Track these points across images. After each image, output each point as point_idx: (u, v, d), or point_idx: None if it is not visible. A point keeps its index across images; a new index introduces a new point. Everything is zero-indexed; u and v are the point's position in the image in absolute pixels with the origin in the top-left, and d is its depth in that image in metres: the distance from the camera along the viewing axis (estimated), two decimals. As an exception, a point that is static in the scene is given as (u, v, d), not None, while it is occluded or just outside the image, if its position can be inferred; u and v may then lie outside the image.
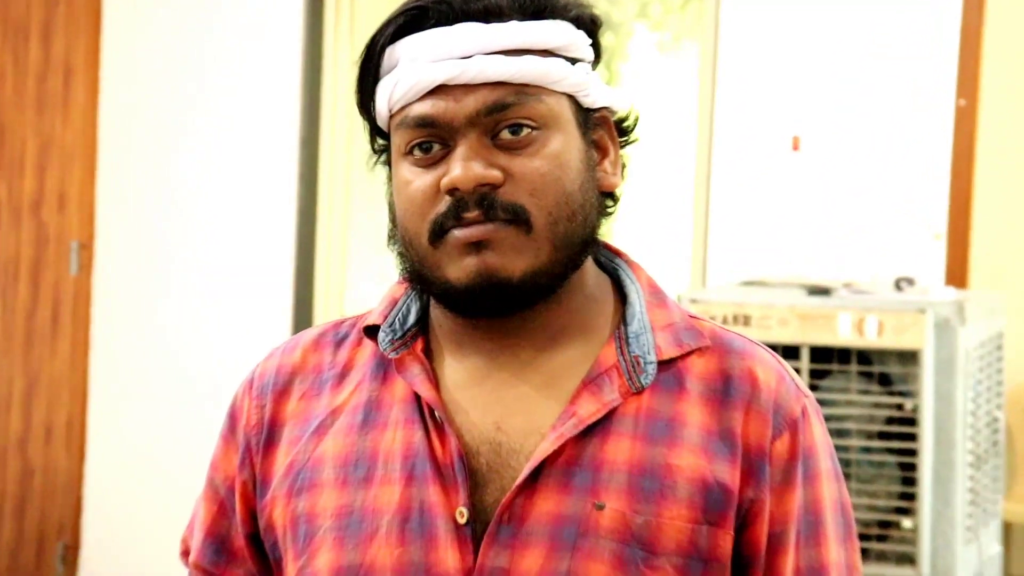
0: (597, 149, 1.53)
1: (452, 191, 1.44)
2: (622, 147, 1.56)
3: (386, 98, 1.49)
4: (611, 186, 1.52)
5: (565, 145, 1.49)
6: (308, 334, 1.61)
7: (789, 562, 1.48)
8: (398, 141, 1.49)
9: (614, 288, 1.57)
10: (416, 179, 1.47)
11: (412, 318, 1.55)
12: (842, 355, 4.11)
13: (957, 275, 4.93)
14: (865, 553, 4.07)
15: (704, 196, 5.25)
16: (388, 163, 1.53)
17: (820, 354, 4.10)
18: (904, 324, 4.10)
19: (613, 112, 1.55)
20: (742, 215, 5.11)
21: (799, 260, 5.03)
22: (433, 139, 1.46)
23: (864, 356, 4.12)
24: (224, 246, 5.54)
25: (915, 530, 4.08)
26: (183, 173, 5.55)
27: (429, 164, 1.47)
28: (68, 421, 5.50)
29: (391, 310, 1.55)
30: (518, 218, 1.44)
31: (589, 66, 1.52)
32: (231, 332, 5.51)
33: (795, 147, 5.10)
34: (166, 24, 5.53)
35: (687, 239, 5.35)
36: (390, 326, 1.53)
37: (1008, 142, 6.24)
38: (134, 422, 5.56)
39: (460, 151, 1.45)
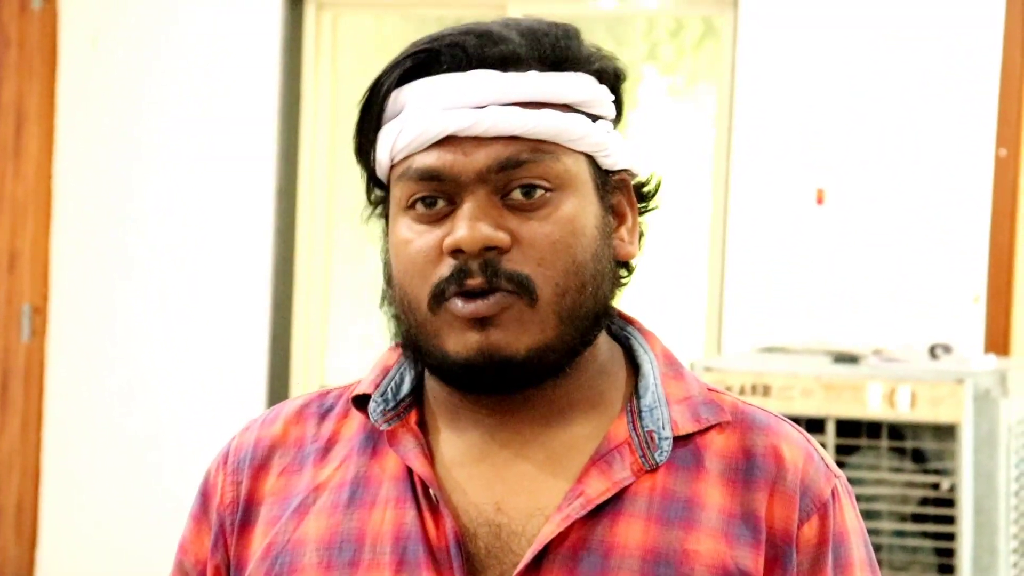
0: (614, 215, 1.51)
1: (456, 252, 1.41)
2: (641, 214, 1.54)
3: (388, 146, 1.46)
4: (627, 256, 1.50)
5: (580, 210, 1.46)
6: (290, 405, 1.59)
7: None
8: (399, 194, 1.46)
9: (626, 358, 1.55)
10: (417, 238, 1.44)
11: (406, 388, 1.53)
12: (872, 429, 4.05)
13: (998, 341, 4.95)
14: None
15: (720, 253, 5.23)
16: (385, 216, 1.50)
17: (848, 428, 4.04)
18: (940, 395, 4.04)
19: (633, 175, 1.52)
20: (761, 275, 5.07)
21: (824, 325, 5.02)
22: (438, 194, 1.44)
23: (896, 431, 4.06)
24: (192, 310, 5.55)
25: None
26: (146, 229, 5.57)
27: (432, 221, 1.44)
28: (18, 503, 5.52)
29: (383, 378, 1.53)
30: (522, 288, 1.42)
31: (610, 124, 1.50)
32: (200, 405, 5.51)
33: (819, 200, 5.05)
34: (127, 68, 5.57)
35: (701, 301, 5.42)
36: (382, 396, 1.51)
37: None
38: (91, 504, 5.55)
39: (467, 209, 1.43)
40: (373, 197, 1.52)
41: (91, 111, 5.59)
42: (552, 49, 1.47)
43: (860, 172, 5.01)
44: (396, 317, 1.49)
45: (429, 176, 1.43)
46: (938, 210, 4.94)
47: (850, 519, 1.50)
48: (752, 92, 5.14)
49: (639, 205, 1.54)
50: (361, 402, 1.52)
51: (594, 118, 1.48)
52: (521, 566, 1.42)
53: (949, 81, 4.99)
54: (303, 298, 5.62)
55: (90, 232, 5.59)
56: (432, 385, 1.52)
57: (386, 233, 1.50)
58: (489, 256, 1.42)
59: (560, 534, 1.42)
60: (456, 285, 1.42)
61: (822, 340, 4.72)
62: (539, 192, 1.43)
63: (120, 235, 5.57)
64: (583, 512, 1.43)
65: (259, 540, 1.52)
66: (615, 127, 1.53)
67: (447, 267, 1.42)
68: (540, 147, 1.44)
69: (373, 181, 1.51)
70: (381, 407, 1.50)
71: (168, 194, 5.55)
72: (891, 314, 4.99)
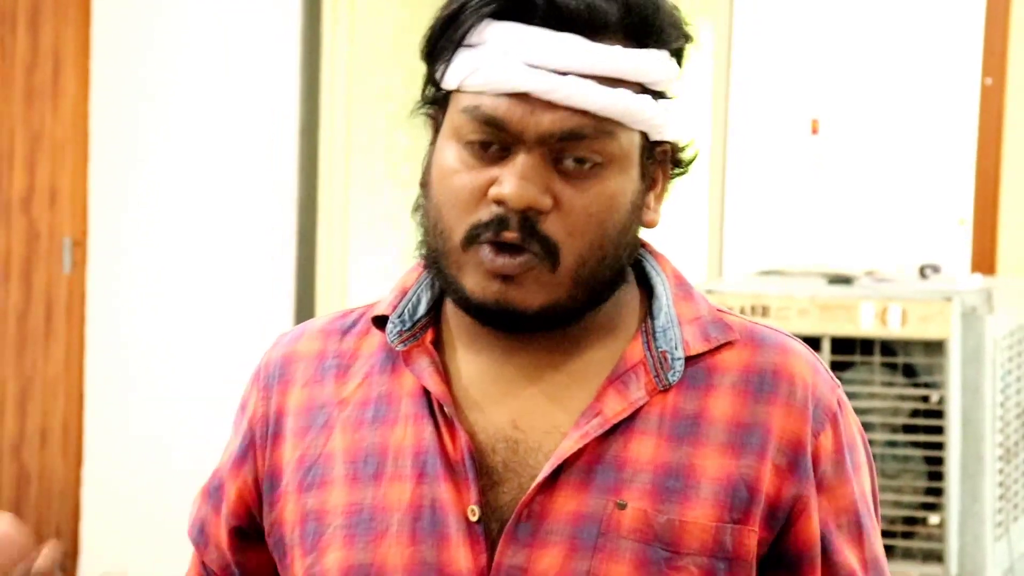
0: (647, 182, 1.52)
1: (500, 202, 1.42)
2: (669, 179, 1.54)
3: (460, 75, 1.45)
4: (650, 224, 1.51)
5: (621, 187, 1.47)
6: (314, 322, 1.61)
7: (856, 553, 1.49)
8: (457, 123, 1.46)
9: (638, 280, 1.55)
10: (465, 172, 1.45)
11: (423, 308, 1.54)
12: (865, 346, 4.12)
13: (984, 262, 4.97)
14: (890, 551, 4.01)
15: (719, 183, 5.34)
16: (433, 120, 1.51)
17: (842, 345, 4.11)
18: (929, 313, 4.10)
19: (676, 146, 1.52)
20: (759, 202, 5.19)
21: (819, 248, 5.13)
22: (495, 141, 1.44)
23: (888, 347, 4.13)
24: (223, 239, 5.56)
25: (942, 526, 4.09)
26: (179, 165, 5.56)
27: (482, 160, 1.44)
28: (64, 424, 5.50)
29: (401, 300, 1.54)
30: (549, 253, 1.43)
31: (668, 103, 1.50)
32: (231, 327, 5.52)
33: (814, 130, 5.21)
34: (159, 11, 5.55)
35: (702, 228, 5.43)
36: (399, 317, 1.52)
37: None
38: (132, 423, 5.58)
39: (519, 165, 1.43)
40: (425, 97, 1.53)
41: (124, 54, 5.56)
42: (641, 22, 1.45)
43: (852, 103, 5.04)
44: (424, 231, 1.51)
45: (494, 123, 1.43)
46: (926, 138, 4.97)
47: (855, 427, 1.53)
48: (748, 29, 5.13)
49: (672, 171, 1.55)
50: (380, 323, 1.54)
51: (658, 95, 1.48)
52: (540, 478, 1.44)
53: (936, 14, 4.98)
54: (326, 230, 5.59)
55: (126, 167, 5.57)
56: (451, 307, 1.54)
57: (432, 142, 1.52)
58: (529, 214, 1.43)
59: (576, 452, 1.45)
60: (493, 233, 1.43)
61: (817, 263, 4.77)
62: (590, 164, 1.43)
63: (154, 170, 5.57)
64: (601, 431, 1.45)
65: (290, 451, 1.54)
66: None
67: (487, 212, 1.44)
68: (603, 125, 1.43)
69: (431, 82, 1.51)
70: (398, 328, 1.52)
71: (197, 133, 5.54)
72: (882, 237, 4.99)
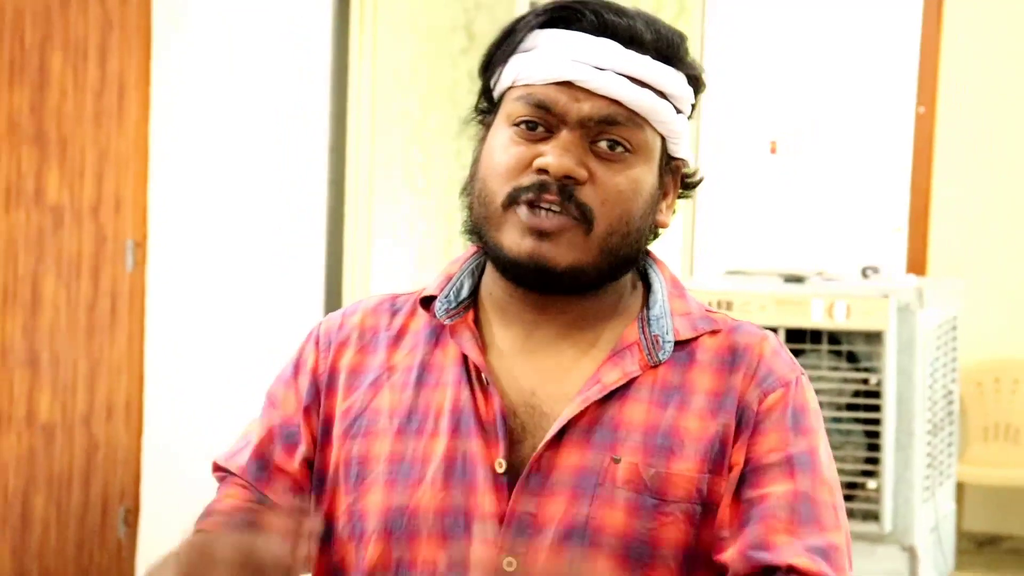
0: (662, 190, 1.55)
1: (542, 171, 1.47)
2: (679, 197, 1.59)
3: (515, 72, 1.50)
4: (662, 224, 1.56)
5: (644, 176, 1.50)
6: (367, 301, 1.64)
7: (785, 486, 1.49)
8: (510, 110, 1.51)
9: (641, 280, 1.59)
10: (513, 147, 1.49)
11: (465, 292, 1.57)
12: (814, 336, 4.17)
13: (917, 264, 5.05)
14: None
15: (692, 195, 5.16)
16: (484, 125, 1.55)
17: (794, 335, 4.15)
18: (869, 308, 4.14)
19: (686, 165, 1.57)
20: (725, 212, 5.15)
21: (776, 251, 5.08)
22: (541, 122, 1.48)
23: (833, 337, 4.19)
24: (263, 240, 5.56)
25: (879, 490, 4.14)
26: (227, 176, 5.57)
27: (529, 140, 1.49)
28: (127, 401, 5.49)
29: (447, 284, 1.57)
30: (584, 217, 1.47)
31: (686, 120, 1.54)
32: (269, 315, 5.53)
33: (772, 151, 5.15)
34: (209, 46, 5.55)
35: (677, 234, 5.34)
36: (445, 297, 1.56)
37: (963, 145, 6.41)
38: (186, 399, 5.58)
39: (561, 141, 1.47)
40: (479, 107, 1.57)
41: (179, 82, 5.49)
42: (668, 45, 1.50)
43: (805, 128, 5.07)
44: (469, 207, 1.53)
45: (542, 106, 1.47)
46: (868, 158, 4.98)
47: (811, 399, 1.54)
48: (717, 63, 5.08)
49: (680, 190, 1.59)
50: (427, 303, 1.57)
51: (677, 111, 1.52)
52: (548, 436, 1.47)
53: (878, 52, 4.99)
54: (351, 232, 5.65)
55: (180, 180, 5.52)
56: (487, 284, 1.57)
57: (481, 139, 1.55)
58: (567, 183, 1.46)
59: (579, 413, 1.48)
60: (534, 195, 1.47)
61: (774, 264, 4.82)
62: (620, 149, 1.47)
63: (204, 181, 5.53)
64: (599, 396, 1.48)
65: (340, 402, 1.57)
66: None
67: (529, 179, 1.47)
68: (634, 117, 1.47)
69: (486, 95, 1.55)
70: (445, 306, 1.55)
71: (242, 149, 5.53)
72: (830, 242, 4.98)
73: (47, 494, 5.17)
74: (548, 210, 1.46)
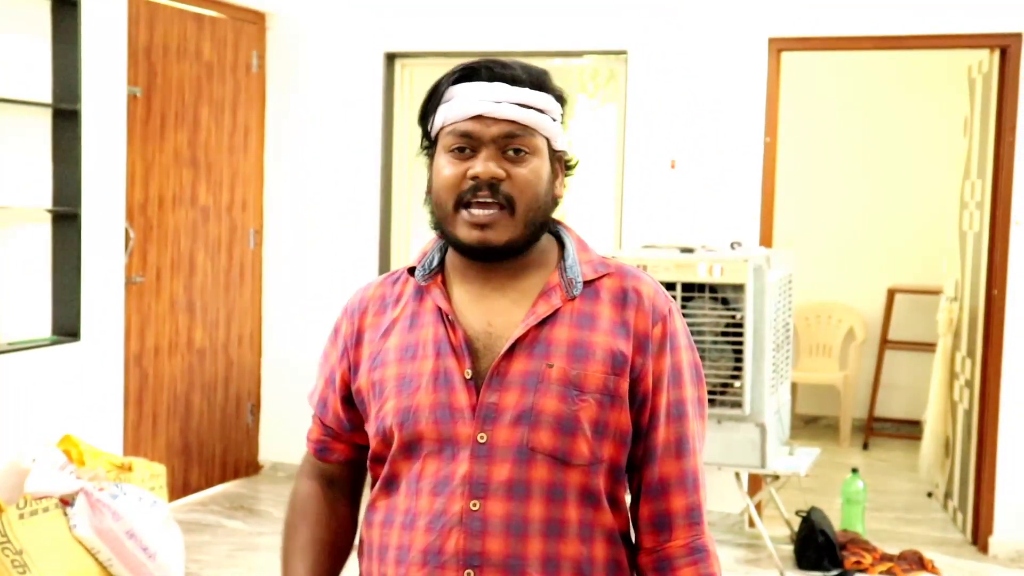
0: (554, 173, 1.50)
1: (475, 178, 1.41)
2: (565, 175, 1.53)
3: (443, 116, 1.45)
4: (559, 195, 1.51)
5: (541, 166, 1.45)
6: (378, 279, 1.59)
7: (663, 398, 1.46)
8: (445, 142, 1.44)
9: (557, 242, 1.53)
10: (452, 167, 1.43)
11: (435, 262, 1.51)
12: (700, 288, 4.16)
13: (766, 239, 4.89)
14: (712, 402, 4.17)
15: (619, 195, 5.08)
16: (429, 156, 1.49)
17: (687, 287, 4.18)
18: (736, 269, 4.12)
19: (565, 154, 1.53)
20: (643, 206, 5.00)
21: (675, 232, 4.92)
22: (467, 146, 1.43)
23: (712, 288, 4.17)
24: (338, 229, 5.49)
25: (741, 388, 4.13)
26: (313, 188, 5.53)
27: (461, 160, 1.43)
28: (251, 333, 5.55)
29: (423, 258, 1.53)
30: (509, 205, 1.42)
31: (559, 125, 1.50)
32: (339, 280, 5.45)
33: (672, 167, 4.95)
34: (302, 102, 5.52)
35: (610, 220, 5.25)
36: (422, 266, 1.51)
37: (795, 165, 6.75)
38: (288, 333, 5.57)
39: (483, 155, 1.42)
40: (423, 144, 1.49)
41: (283, 127, 5.48)
42: (538, 79, 1.45)
43: (694, 151, 4.84)
44: (432, 211, 1.47)
45: (466, 135, 1.41)
46: (735, 173, 4.81)
47: (679, 324, 1.49)
48: (636, 110, 4.92)
49: (565, 170, 1.52)
50: (411, 271, 1.52)
51: (552, 119, 1.46)
52: (502, 352, 1.42)
53: (737, 101, 4.79)
54: (396, 227, 5.47)
55: (283, 190, 5.50)
56: (450, 258, 1.50)
57: (429, 166, 1.48)
58: (494, 182, 1.40)
59: (522, 335, 1.42)
60: (471, 195, 1.40)
61: (675, 241, 4.65)
62: (522, 152, 1.42)
63: (300, 191, 5.49)
64: (536, 323, 1.43)
65: (365, 351, 1.52)
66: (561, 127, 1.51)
67: (467, 186, 1.41)
68: (526, 129, 1.42)
69: (426, 136, 1.48)
70: (422, 273, 1.49)
71: (323, 169, 5.44)
72: (711, 225, 4.83)
73: (201, 394, 5.27)
74: (483, 204, 1.41)
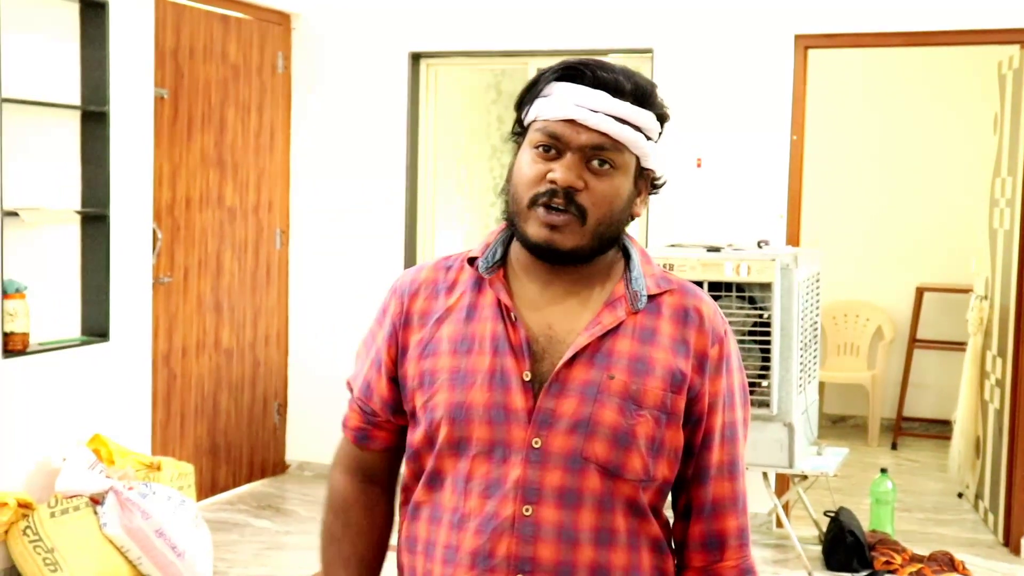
0: (636, 190, 1.48)
1: (553, 183, 1.40)
2: (650, 193, 1.52)
3: (537, 110, 1.44)
4: (636, 214, 1.51)
5: (623, 184, 1.43)
6: (428, 263, 1.57)
7: (718, 419, 1.47)
8: (533, 137, 1.44)
9: (623, 253, 1.53)
10: (534, 164, 1.43)
11: (498, 255, 1.50)
12: (727, 287, 4.15)
13: (793, 239, 4.88)
14: None
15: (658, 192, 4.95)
16: (517, 144, 1.48)
17: (714, 286, 4.16)
18: (763, 268, 4.12)
19: (653, 172, 1.50)
20: (671, 206, 4.96)
21: (702, 231, 4.91)
22: (553, 146, 1.41)
23: (739, 287, 4.16)
24: (364, 228, 5.52)
25: (769, 387, 4.12)
26: (339, 187, 5.54)
27: (544, 158, 1.42)
28: (278, 333, 5.56)
29: (486, 250, 1.51)
30: (581, 214, 1.40)
31: (654, 144, 1.47)
32: (366, 278, 5.47)
33: (699, 165, 4.93)
34: (328, 104, 5.52)
35: (638, 220, 4.84)
36: (485, 259, 1.50)
37: (821, 163, 6.70)
38: (315, 333, 5.60)
39: (565, 161, 1.40)
40: (515, 130, 1.48)
41: (309, 128, 5.48)
42: (642, 93, 1.43)
43: (722, 148, 4.84)
44: (506, 201, 1.45)
45: (554, 136, 1.40)
46: (763, 171, 4.83)
47: (733, 345, 1.50)
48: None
49: (650, 190, 1.51)
50: (472, 261, 1.50)
51: (648, 138, 1.44)
52: (565, 359, 1.41)
53: (766, 100, 4.80)
54: (421, 222, 5.48)
55: (309, 190, 5.51)
56: (515, 253, 1.49)
57: (514, 153, 1.46)
58: (570, 190, 1.39)
59: (586, 344, 1.42)
60: (546, 199, 1.40)
61: (701, 240, 4.65)
62: (606, 166, 1.40)
63: (326, 191, 5.50)
64: (600, 333, 1.43)
65: (414, 335, 1.50)
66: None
67: (545, 187, 1.40)
68: (617, 144, 1.40)
69: (518, 123, 1.47)
70: (485, 264, 1.48)
71: (350, 170, 5.45)
72: (738, 224, 4.82)
73: (228, 393, 5.28)
74: (556, 209, 1.40)
